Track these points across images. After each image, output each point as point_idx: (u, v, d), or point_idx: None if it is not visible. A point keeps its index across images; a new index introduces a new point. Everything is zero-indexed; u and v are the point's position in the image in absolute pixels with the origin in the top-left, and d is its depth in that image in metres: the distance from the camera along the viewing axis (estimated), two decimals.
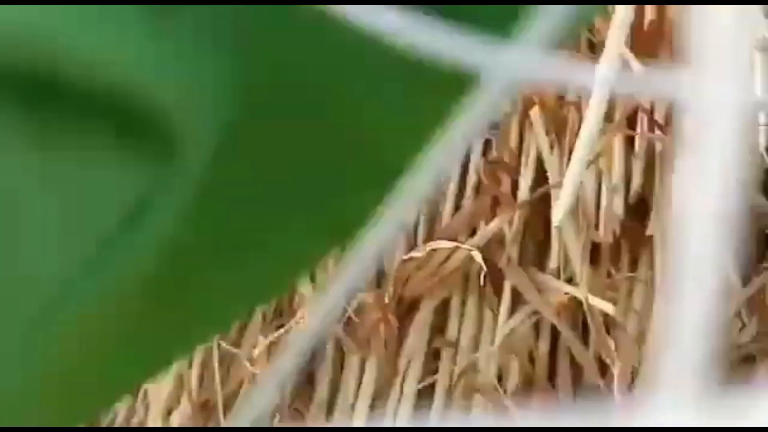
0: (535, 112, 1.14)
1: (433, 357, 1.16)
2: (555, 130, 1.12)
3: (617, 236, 1.09)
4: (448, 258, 1.14)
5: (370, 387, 1.15)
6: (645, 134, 1.12)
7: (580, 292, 1.07)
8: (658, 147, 1.11)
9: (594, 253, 1.10)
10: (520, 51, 0.15)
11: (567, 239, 1.08)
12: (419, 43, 0.15)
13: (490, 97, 0.15)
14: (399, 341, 1.15)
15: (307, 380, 1.18)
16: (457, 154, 0.15)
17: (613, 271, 1.09)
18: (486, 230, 1.13)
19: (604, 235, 1.09)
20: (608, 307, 1.07)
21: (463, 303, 1.15)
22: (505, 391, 1.09)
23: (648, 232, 1.09)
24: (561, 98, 1.14)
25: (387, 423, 1.12)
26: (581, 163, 1.01)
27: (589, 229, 1.08)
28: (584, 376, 1.10)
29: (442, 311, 1.16)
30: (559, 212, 1.06)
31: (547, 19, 0.15)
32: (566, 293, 1.07)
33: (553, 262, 1.11)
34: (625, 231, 1.10)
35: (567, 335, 1.07)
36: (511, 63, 0.15)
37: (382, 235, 0.16)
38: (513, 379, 1.11)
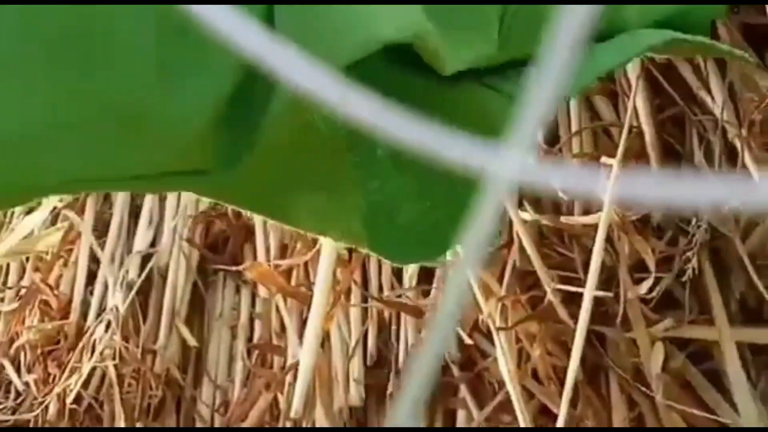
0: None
1: None
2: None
3: None
4: None
5: None
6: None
7: None
8: None
9: None
10: (517, 153, 0.14)
11: None
12: (420, 144, 0.14)
13: (497, 197, 0.14)
14: None
15: None
16: (483, 248, 0.15)
17: None
18: None
19: None
20: None
21: None
22: None
23: None
24: None
25: None
26: None
27: None
28: None
29: None
30: None
31: (533, 117, 0.14)
32: None
33: None
34: None
35: None
36: (513, 165, 0.14)
37: (449, 316, 0.17)
38: None
